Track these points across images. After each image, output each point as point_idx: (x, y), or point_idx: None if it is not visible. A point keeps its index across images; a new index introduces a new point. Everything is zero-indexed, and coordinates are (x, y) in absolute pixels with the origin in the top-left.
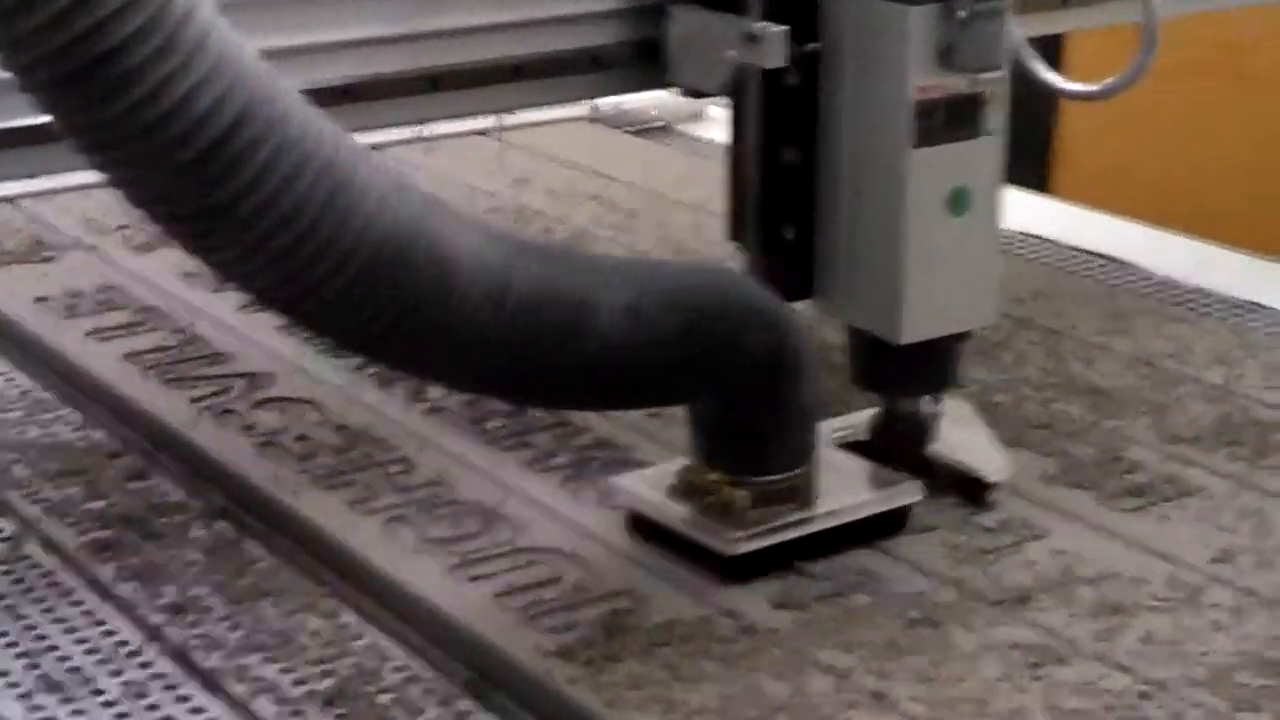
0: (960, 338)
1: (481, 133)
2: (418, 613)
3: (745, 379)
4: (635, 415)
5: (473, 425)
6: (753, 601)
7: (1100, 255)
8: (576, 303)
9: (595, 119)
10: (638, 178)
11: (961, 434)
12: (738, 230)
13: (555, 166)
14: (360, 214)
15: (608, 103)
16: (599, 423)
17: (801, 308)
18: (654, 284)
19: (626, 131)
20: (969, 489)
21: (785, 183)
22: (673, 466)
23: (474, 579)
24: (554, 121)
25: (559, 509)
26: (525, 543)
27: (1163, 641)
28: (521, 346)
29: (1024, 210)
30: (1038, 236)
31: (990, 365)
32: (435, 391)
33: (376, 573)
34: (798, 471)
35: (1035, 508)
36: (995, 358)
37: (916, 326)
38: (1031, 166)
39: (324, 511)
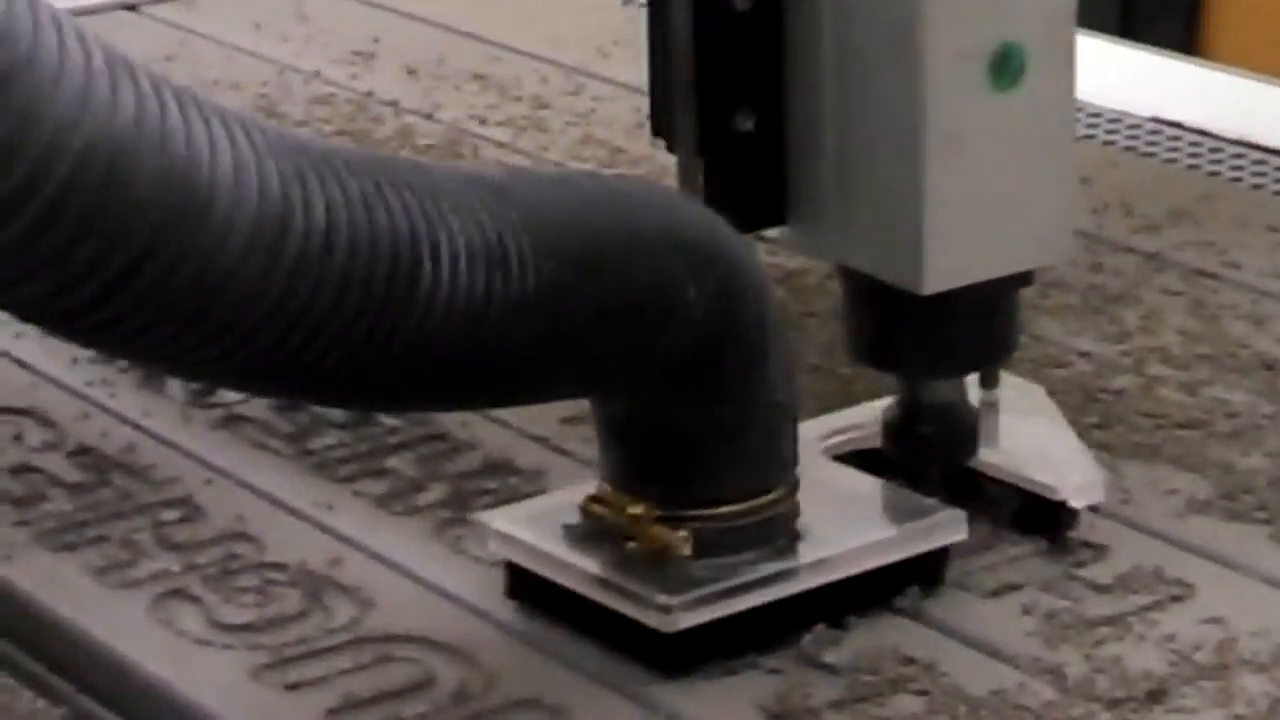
0: (1018, 282)
1: None
2: None
3: (678, 358)
4: (548, 421)
5: (291, 443)
6: (732, 708)
7: (1279, 152)
8: (401, 244)
9: None
10: (546, 44)
11: (1027, 434)
12: (663, 121)
13: (418, 29)
14: (52, 114)
15: None
16: (489, 434)
17: (768, 241)
18: (527, 211)
19: None
20: (1040, 518)
21: (736, 44)
22: (573, 496)
23: (294, 686)
24: None
25: (428, 573)
26: (376, 627)
27: None
28: (313, 311)
29: (1159, 84)
30: (1179, 125)
31: (1105, 330)
32: (230, 391)
33: (140, 678)
34: (768, 499)
35: (1175, 552)
36: (1113, 318)
37: (949, 267)
38: (1173, 14)
39: (56, 584)
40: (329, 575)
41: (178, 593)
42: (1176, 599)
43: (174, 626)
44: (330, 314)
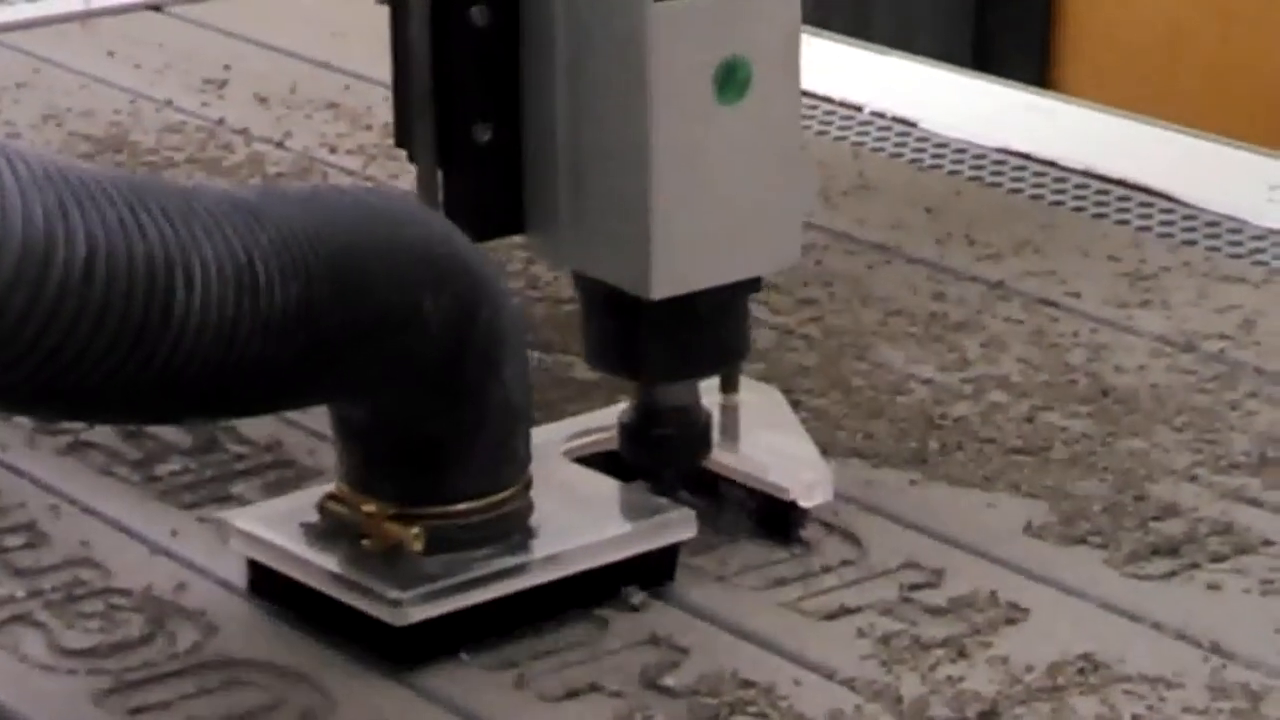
0: (747, 288)
1: (154, 8)
2: None
3: (416, 365)
4: None
5: (137, 470)
6: None
7: (1121, 183)
8: (157, 270)
9: None
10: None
11: (761, 435)
12: (404, 132)
13: (270, 58)
14: None
15: None
16: (331, 458)
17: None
18: (277, 231)
19: None
20: (771, 517)
21: (474, 58)
22: (314, 496)
23: (137, 711)
24: None
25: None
26: (220, 651)
27: None
28: (75, 337)
29: (1008, 116)
30: (1025, 156)
31: (946, 358)
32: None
33: None
34: (502, 497)
35: (1011, 575)
36: (954, 346)
37: (677, 274)
38: (1022, 47)
39: None
40: (173, 601)
41: (22, 618)
42: (1011, 622)
43: (17, 652)
44: (91, 339)
